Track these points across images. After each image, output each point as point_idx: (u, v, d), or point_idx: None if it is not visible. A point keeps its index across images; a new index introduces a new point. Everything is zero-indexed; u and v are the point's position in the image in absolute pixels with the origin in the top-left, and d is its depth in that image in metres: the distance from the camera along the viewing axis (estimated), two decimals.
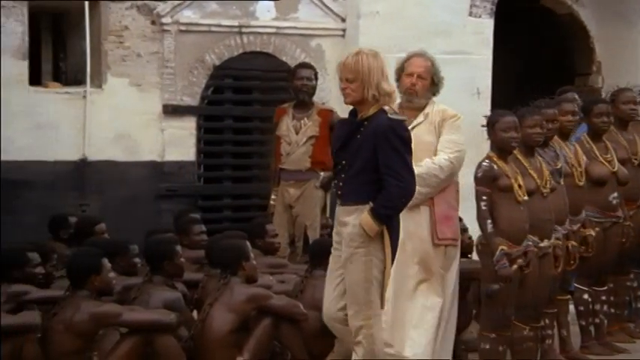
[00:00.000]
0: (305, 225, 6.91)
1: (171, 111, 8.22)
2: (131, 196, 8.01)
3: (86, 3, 7.95)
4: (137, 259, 5.83)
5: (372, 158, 4.33)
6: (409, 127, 4.69)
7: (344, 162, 4.41)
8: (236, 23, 8.42)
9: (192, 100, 8.34)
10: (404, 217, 4.60)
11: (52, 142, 7.88)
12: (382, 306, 4.48)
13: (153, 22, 8.19)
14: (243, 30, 8.44)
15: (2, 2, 7.63)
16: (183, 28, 8.26)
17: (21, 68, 7.81)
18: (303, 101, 7.00)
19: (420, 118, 5.06)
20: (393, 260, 4.40)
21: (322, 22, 8.66)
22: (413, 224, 4.91)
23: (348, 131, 4.44)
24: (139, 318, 4.96)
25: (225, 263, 5.38)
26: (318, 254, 5.37)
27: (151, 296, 5.30)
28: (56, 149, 7.90)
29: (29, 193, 7.77)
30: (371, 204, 4.34)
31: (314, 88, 7.07)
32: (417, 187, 4.57)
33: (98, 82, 8.09)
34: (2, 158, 7.71)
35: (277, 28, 8.54)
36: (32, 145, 7.82)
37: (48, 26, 8.55)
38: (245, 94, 8.67)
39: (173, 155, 8.26)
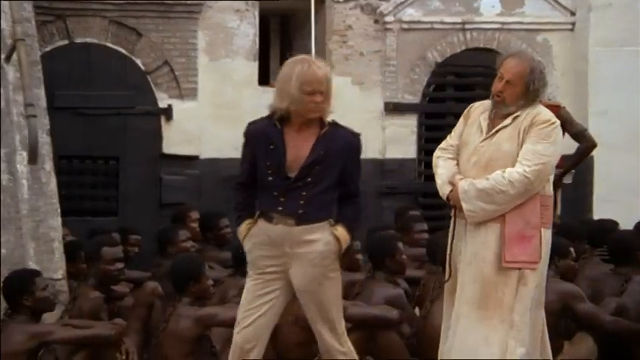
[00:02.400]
0: None
1: (393, 109, 8.27)
2: None
3: (312, 4, 8.16)
4: (359, 256, 5.91)
5: (339, 174, 4.10)
6: (492, 131, 4.19)
7: (309, 179, 4.04)
8: (459, 20, 8.34)
9: (413, 97, 8.35)
10: (469, 235, 4.16)
11: None
12: None
13: (376, 21, 8.28)
14: (467, 26, 8.34)
15: (236, 6, 8.01)
16: (405, 26, 8.29)
17: (251, 69, 8.15)
18: None
19: (507, 121, 4.19)
20: None
21: (550, 15, 8.40)
22: (478, 243, 4.16)
23: (312, 147, 4.08)
24: (363, 313, 5.03)
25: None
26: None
27: (373, 292, 5.35)
28: None
29: None
30: (331, 221, 4.08)
31: None
32: (480, 203, 4.08)
33: None
34: (232, 156, 8.08)
35: (502, 23, 8.38)
36: None
37: (276, 28, 8.87)
38: (467, 92, 8.57)
39: (394, 153, 8.31)
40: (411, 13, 8.28)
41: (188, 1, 7.94)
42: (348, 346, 4.18)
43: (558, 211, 6.70)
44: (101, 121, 7.84)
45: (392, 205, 7.87)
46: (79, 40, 7.91)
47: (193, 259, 5.36)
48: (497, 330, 4.10)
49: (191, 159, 8.01)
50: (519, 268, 4.12)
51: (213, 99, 8.05)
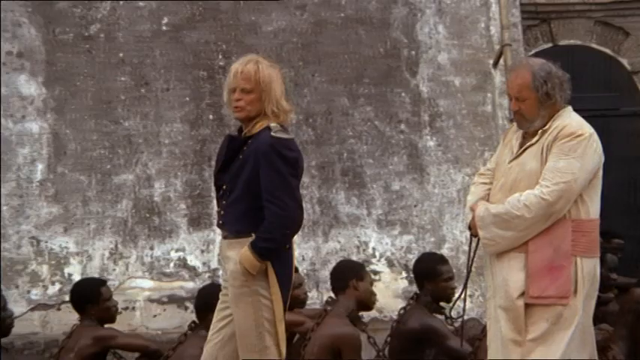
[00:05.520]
0: None
1: None
2: None
3: None
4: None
5: (253, 182, 3.67)
6: (520, 150, 3.72)
7: (224, 186, 3.75)
8: None
9: None
10: (492, 266, 3.72)
11: None
12: (281, 355, 3.68)
13: None
14: None
15: None
16: None
17: None
18: None
19: (535, 138, 3.74)
20: (285, 299, 3.69)
21: None
22: (500, 276, 3.70)
23: (230, 150, 3.75)
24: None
25: None
26: None
27: None
28: None
29: None
30: (254, 236, 3.67)
31: None
32: (496, 230, 3.64)
33: None
34: None
35: None
36: None
37: None
38: None
39: None
40: None
41: None
42: None
43: None
44: None
45: None
46: (562, 43, 7.98)
47: None
48: None
49: None
50: (548, 305, 3.61)
51: None
